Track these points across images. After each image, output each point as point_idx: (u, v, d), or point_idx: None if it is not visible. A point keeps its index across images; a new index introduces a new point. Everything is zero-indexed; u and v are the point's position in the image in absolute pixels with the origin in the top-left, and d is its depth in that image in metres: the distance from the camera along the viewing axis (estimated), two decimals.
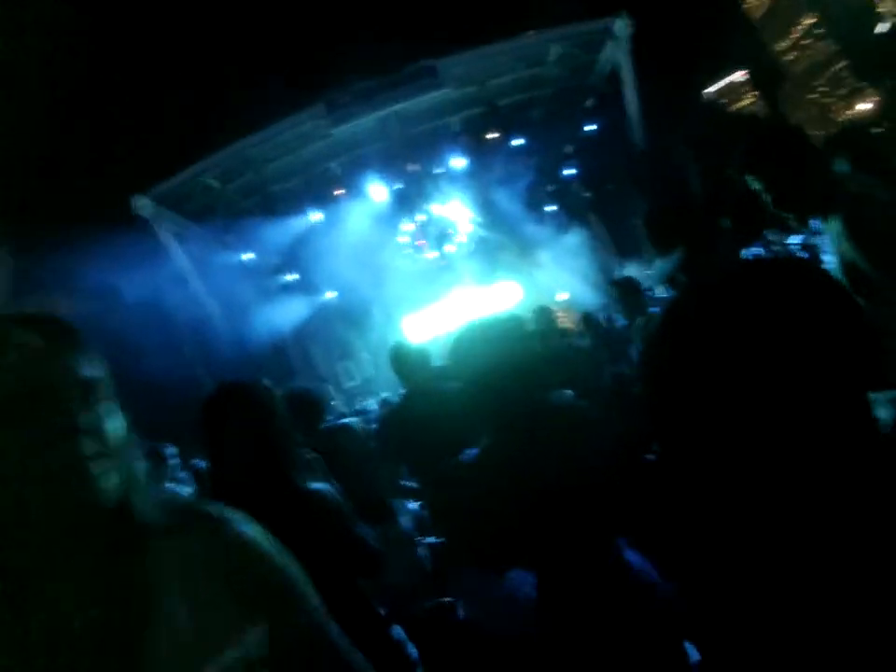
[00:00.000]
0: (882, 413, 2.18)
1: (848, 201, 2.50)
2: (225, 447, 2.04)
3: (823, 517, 1.78)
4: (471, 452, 2.15)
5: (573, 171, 14.23)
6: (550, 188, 15.05)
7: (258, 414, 2.04)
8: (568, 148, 13.84)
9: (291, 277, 14.56)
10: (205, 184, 12.41)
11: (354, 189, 13.38)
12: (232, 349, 11.44)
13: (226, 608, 0.91)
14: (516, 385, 1.97)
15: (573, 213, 15.22)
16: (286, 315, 13.77)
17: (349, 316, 15.36)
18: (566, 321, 12.19)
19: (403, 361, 3.72)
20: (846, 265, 2.44)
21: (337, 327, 15.69)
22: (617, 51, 11.29)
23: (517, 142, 13.15)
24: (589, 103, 12.71)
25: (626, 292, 5.38)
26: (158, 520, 0.92)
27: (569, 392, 2.34)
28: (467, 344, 2.07)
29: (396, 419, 3.74)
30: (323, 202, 13.68)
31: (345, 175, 13.54)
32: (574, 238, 14.96)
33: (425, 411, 3.14)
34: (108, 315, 11.67)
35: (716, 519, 1.94)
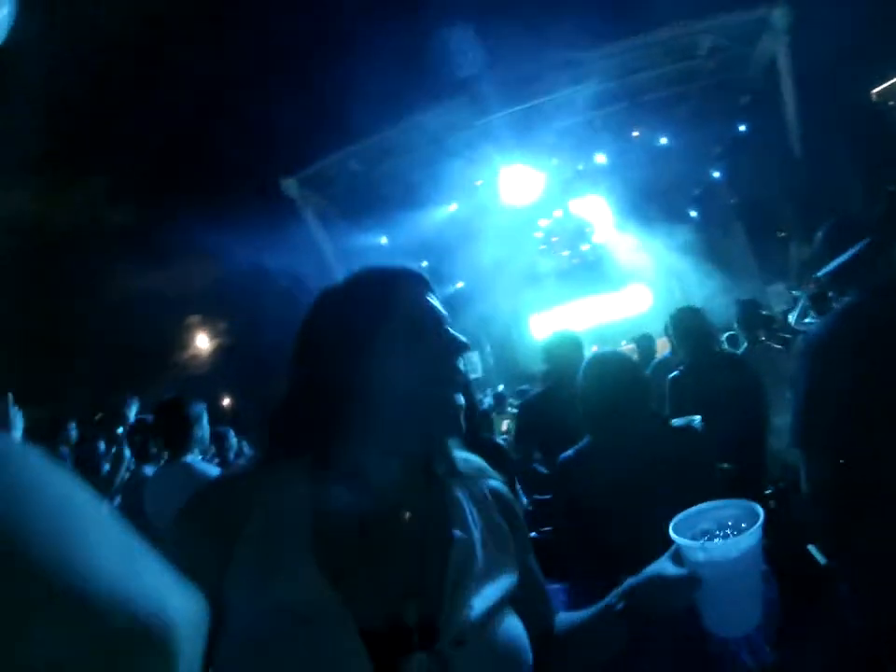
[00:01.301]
0: None
1: None
2: None
3: None
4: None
5: (720, 174, 13.52)
6: (694, 191, 14.38)
7: None
8: (717, 149, 13.17)
9: (423, 264, 14.92)
10: (349, 168, 12.99)
11: (492, 181, 13.53)
12: None
13: (505, 538, 1.11)
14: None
15: (716, 220, 14.44)
16: None
17: (476, 308, 15.53)
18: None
19: (562, 351, 3.78)
20: None
21: (462, 318, 15.88)
22: (775, 44, 10.57)
23: (662, 140, 12.77)
24: (742, 100, 11.99)
25: (749, 315, 5.20)
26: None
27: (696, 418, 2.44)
28: (587, 376, 2.38)
29: (538, 404, 3.90)
30: (461, 192, 13.95)
31: (485, 166, 13.65)
32: (714, 247, 14.24)
33: (563, 403, 3.19)
34: (254, 285, 12.58)
35: None
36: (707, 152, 13.28)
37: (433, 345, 1.01)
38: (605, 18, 10.40)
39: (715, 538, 1.05)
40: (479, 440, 3.65)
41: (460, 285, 15.70)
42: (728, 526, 1.07)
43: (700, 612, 1.07)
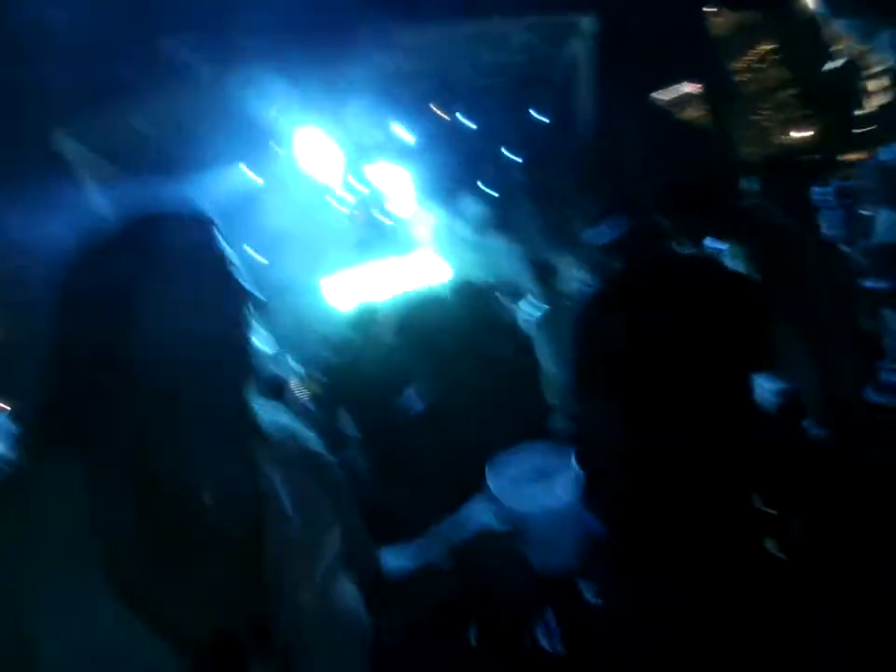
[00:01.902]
0: (767, 396, 2.58)
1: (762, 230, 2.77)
2: None
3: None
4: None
5: (516, 157, 14.19)
6: (491, 169, 14.94)
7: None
8: (515, 134, 13.74)
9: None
10: (135, 126, 11.54)
11: (289, 145, 12.87)
12: None
13: (323, 505, 1.01)
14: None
15: (511, 197, 15.21)
16: None
17: (268, 277, 14.81)
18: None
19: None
20: None
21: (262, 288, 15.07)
22: (579, 47, 11.23)
23: (465, 119, 13.01)
24: (543, 94, 12.64)
25: (544, 275, 5.65)
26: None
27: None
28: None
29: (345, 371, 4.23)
30: (255, 155, 13.12)
31: (283, 130, 12.89)
32: (508, 222, 15.00)
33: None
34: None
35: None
36: (507, 137, 13.82)
37: (217, 293, 0.90)
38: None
39: (531, 483, 1.07)
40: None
41: (251, 252, 14.87)
42: (545, 473, 1.10)
43: (522, 554, 1.11)
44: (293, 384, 5.08)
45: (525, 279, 13.35)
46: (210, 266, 0.87)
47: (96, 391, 0.80)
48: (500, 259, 14.47)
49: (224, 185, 12.98)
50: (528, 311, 7.82)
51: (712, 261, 2.86)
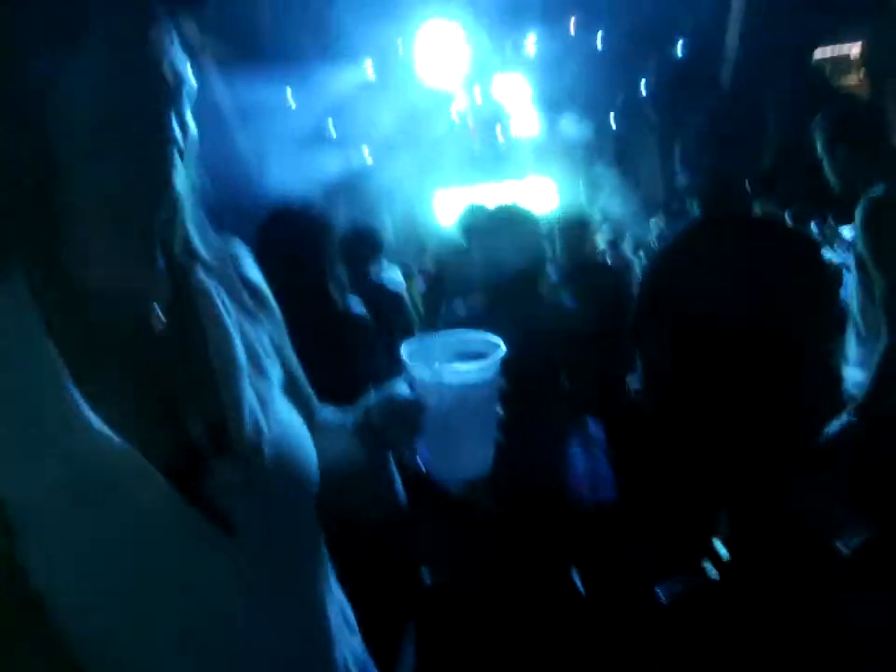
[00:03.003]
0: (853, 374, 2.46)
1: None
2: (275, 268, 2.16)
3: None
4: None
5: (647, 91, 13.21)
6: (619, 101, 14.00)
7: (311, 245, 2.17)
8: (651, 65, 12.72)
9: (332, 130, 13.87)
10: (256, 12, 11.59)
11: (414, 45, 12.43)
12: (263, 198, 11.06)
13: (263, 333, 1.02)
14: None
15: (635, 134, 14.32)
16: (320, 168, 12.98)
17: (379, 180, 14.73)
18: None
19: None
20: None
21: (365, 190, 15.08)
22: None
23: (598, 41, 12.14)
24: (688, 23, 11.51)
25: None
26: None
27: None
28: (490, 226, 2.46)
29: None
30: (378, 50, 12.80)
31: (409, 24, 12.36)
32: (627, 157, 14.25)
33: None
34: None
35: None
36: (641, 65, 12.87)
37: (142, 87, 0.76)
38: None
39: (450, 357, 1.01)
40: (380, 288, 3.88)
41: (367, 154, 14.85)
42: (469, 349, 1.03)
43: (422, 450, 1.04)
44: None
45: (629, 216, 12.80)
46: (138, 56, 0.79)
47: (34, 196, 0.75)
48: (609, 195, 13.89)
49: (343, 79, 12.81)
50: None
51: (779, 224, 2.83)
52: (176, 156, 0.80)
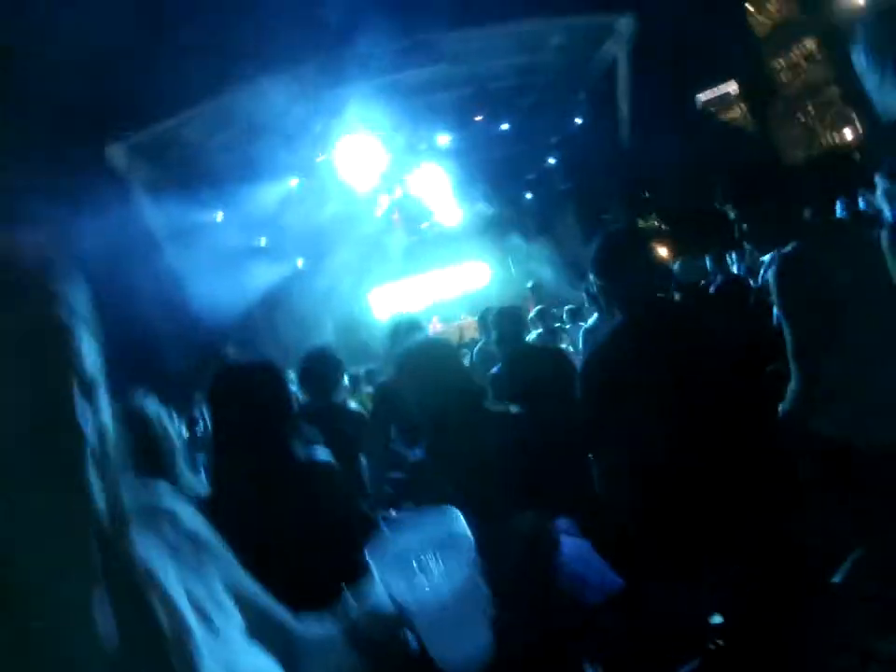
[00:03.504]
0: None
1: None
2: (228, 427, 2.07)
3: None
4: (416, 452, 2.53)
5: (555, 161, 14.32)
6: (530, 175, 15.07)
7: (263, 400, 2.07)
8: (554, 139, 13.90)
9: (263, 241, 14.23)
10: (184, 137, 12.01)
11: (335, 157, 13.12)
12: (198, 312, 11.12)
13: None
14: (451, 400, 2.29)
15: (549, 202, 15.30)
16: (255, 279, 13.38)
17: (317, 286, 14.99)
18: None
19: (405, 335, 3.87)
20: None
21: (304, 296, 15.32)
22: (616, 48, 11.35)
23: (504, 126, 13.21)
24: (580, 96, 12.78)
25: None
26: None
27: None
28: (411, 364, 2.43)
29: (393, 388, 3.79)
30: (302, 166, 13.42)
31: (329, 140, 13.16)
32: (547, 227, 15.11)
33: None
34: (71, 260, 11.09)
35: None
36: (545, 140, 13.94)
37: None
38: (462, 4, 10.48)
39: (421, 563, 1.01)
40: (344, 411, 3.83)
41: (300, 263, 15.20)
42: (437, 547, 1.02)
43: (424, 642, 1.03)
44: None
45: (565, 285, 13.40)
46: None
47: None
48: (542, 265, 14.58)
49: (270, 193, 13.33)
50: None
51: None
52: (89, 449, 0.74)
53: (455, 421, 2.22)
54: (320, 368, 3.73)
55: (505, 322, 4.42)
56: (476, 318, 7.37)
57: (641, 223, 16.16)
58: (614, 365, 2.56)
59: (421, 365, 2.37)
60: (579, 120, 13.04)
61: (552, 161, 14.36)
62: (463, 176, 14.22)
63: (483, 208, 15.08)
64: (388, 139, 13.22)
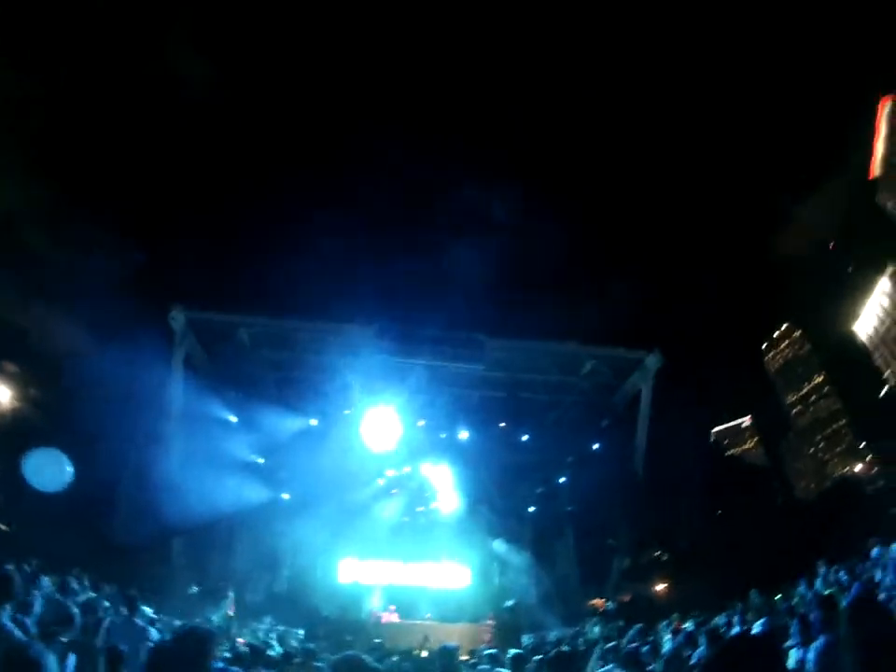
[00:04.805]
0: None
1: None
2: None
3: None
4: None
5: (565, 480, 14.48)
6: (538, 489, 15.14)
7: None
8: (570, 458, 14.20)
9: (260, 461, 14.21)
10: (237, 335, 12.94)
11: (361, 416, 13.58)
12: (167, 495, 10.74)
13: None
14: None
15: (551, 520, 15.13)
16: (234, 492, 12.94)
17: (290, 527, 14.25)
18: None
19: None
20: None
21: (273, 532, 14.63)
22: (642, 381, 12.42)
23: (524, 437, 13.86)
24: (602, 422, 13.56)
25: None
26: None
27: None
28: None
29: None
30: (327, 412, 14.08)
31: (361, 400, 13.72)
32: (543, 545, 14.99)
33: None
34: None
35: None
36: (561, 458, 14.24)
37: None
38: (510, 315, 11.61)
39: None
40: None
41: (286, 496, 14.79)
42: None
43: None
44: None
45: (548, 614, 12.90)
46: None
47: None
48: (528, 583, 14.04)
49: (288, 422, 13.80)
50: None
51: None
52: None
53: None
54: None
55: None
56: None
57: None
58: None
59: None
60: (596, 445, 13.53)
61: (562, 479, 14.49)
62: (473, 474, 14.30)
63: (485, 510, 14.96)
64: (413, 417, 13.78)
